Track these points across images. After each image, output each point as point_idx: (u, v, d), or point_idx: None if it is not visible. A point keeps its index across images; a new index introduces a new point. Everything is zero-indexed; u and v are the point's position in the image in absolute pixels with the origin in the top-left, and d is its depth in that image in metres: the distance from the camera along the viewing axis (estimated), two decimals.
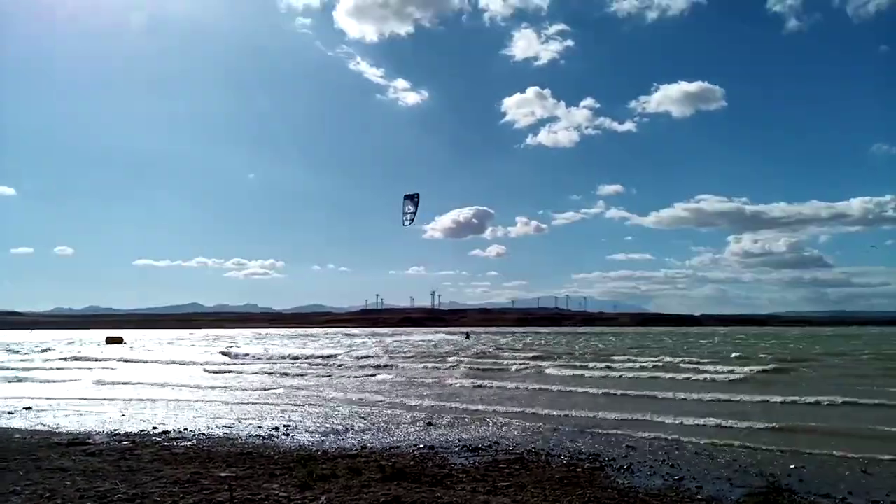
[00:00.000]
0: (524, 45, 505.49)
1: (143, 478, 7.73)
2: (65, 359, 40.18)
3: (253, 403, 17.24)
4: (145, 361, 37.46)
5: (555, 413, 14.99)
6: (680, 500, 7.38)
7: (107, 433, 11.93)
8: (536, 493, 7.48)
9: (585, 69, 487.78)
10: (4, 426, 12.87)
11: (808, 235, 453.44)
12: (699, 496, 7.60)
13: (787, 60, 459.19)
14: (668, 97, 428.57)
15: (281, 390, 20.90)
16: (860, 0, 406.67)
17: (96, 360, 39.30)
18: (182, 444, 10.66)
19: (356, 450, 10.36)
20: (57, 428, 12.69)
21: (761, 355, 37.02)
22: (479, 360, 34.07)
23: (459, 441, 11.26)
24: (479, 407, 16.03)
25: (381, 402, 17.53)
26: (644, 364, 30.35)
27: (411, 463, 9.17)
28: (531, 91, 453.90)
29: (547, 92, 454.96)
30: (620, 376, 25.04)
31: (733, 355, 36.70)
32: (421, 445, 10.80)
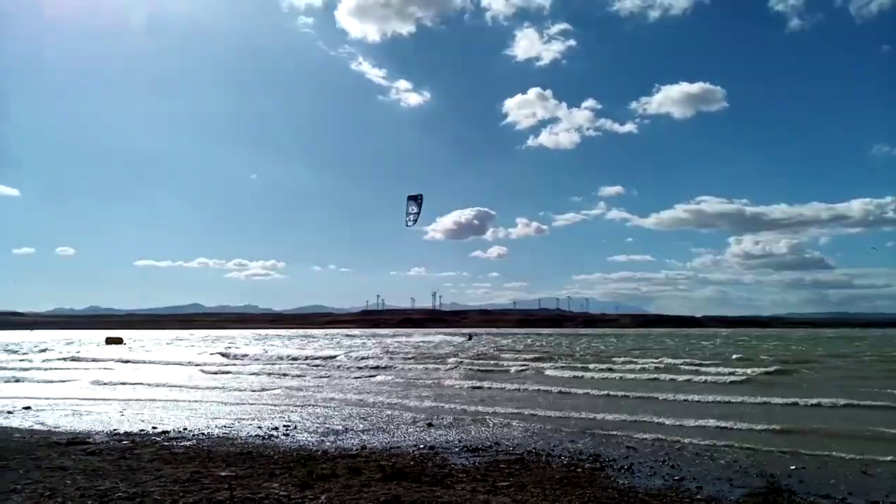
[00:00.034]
0: (526, 45, 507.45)
1: (143, 477, 7.73)
2: (63, 359, 40.17)
3: (252, 404, 17.24)
4: (144, 362, 37.44)
5: (555, 414, 14.97)
6: (680, 501, 7.37)
7: (106, 432, 11.93)
8: (537, 492, 7.47)
9: (587, 69, 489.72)
10: (4, 425, 12.86)
11: (809, 237, 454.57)
12: (699, 496, 7.59)
13: (789, 60, 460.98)
14: (670, 98, 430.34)
15: (280, 391, 20.90)
16: (863, 0, 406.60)
17: (95, 360, 39.29)
18: (182, 444, 10.66)
19: (356, 449, 10.35)
20: (56, 427, 12.69)
21: (763, 357, 37.00)
22: (479, 362, 34.04)
23: (459, 441, 11.25)
24: (479, 408, 16.02)
25: (380, 402, 17.52)
26: (645, 365, 30.30)
27: (411, 463, 9.16)
28: (533, 92, 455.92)
29: (548, 93, 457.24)
30: (621, 378, 25.01)
31: (734, 357, 36.68)
32: (421, 445, 10.80)
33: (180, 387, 22.18)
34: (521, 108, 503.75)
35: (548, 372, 27.54)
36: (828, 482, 8.40)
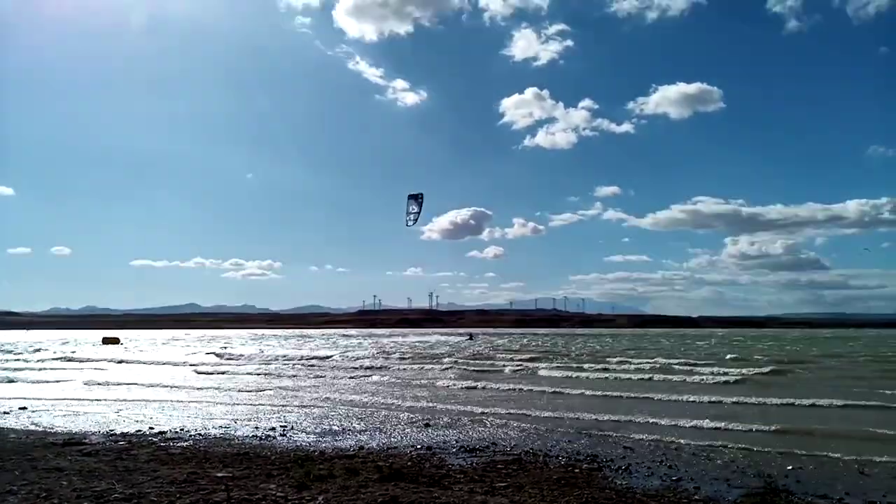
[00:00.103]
0: (524, 45, 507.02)
1: (140, 478, 7.70)
2: (59, 359, 40.02)
3: (248, 404, 17.20)
4: (140, 362, 37.33)
5: (551, 414, 14.97)
6: (678, 501, 7.37)
7: (103, 433, 11.89)
8: (534, 493, 7.46)
9: (584, 70, 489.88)
10: (0, 426, 12.82)
11: (805, 237, 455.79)
12: (696, 497, 7.60)
13: (787, 61, 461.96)
14: (667, 98, 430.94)
15: (276, 391, 20.85)
16: (860, 1, 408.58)
17: (91, 360, 39.15)
18: (178, 445, 10.62)
19: (353, 450, 10.33)
20: (52, 428, 12.64)
21: (757, 357, 37.12)
22: (476, 362, 34.04)
23: (457, 442, 11.25)
24: (476, 408, 16.01)
25: (377, 403, 17.50)
26: (640, 366, 30.37)
27: (409, 463, 9.15)
28: (530, 92, 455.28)
29: (545, 93, 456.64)
30: (616, 378, 25.04)
31: (728, 357, 36.77)
32: (418, 446, 10.78)
33: (177, 387, 22.11)
34: (518, 107, 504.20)
35: (544, 372, 27.55)
36: (825, 482, 8.42)
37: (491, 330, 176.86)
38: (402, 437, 11.76)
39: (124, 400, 17.97)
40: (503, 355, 40.08)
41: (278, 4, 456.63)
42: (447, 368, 29.97)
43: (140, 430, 12.23)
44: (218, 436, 11.76)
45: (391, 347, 53.76)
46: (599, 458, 9.80)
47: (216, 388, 21.74)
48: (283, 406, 16.64)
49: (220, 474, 7.97)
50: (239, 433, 12.08)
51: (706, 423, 13.19)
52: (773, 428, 12.52)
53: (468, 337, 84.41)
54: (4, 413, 14.85)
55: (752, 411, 15.49)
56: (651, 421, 13.64)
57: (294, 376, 26.92)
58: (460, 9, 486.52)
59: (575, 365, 30.98)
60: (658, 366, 30.36)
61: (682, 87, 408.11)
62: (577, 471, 8.88)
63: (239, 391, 20.91)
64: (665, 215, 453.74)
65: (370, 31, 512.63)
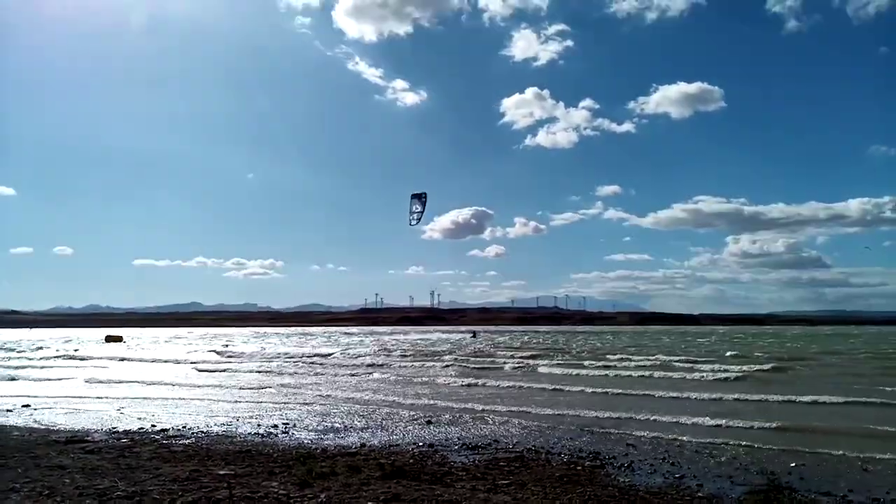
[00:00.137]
0: (523, 45, 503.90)
1: (142, 475, 7.70)
2: (62, 357, 40.09)
3: (250, 402, 17.22)
4: (141, 360, 37.38)
5: (553, 412, 14.97)
6: (681, 498, 7.37)
7: (105, 431, 11.90)
8: (537, 490, 7.46)
9: (584, 70, 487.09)
10: (3, 423, 12.82)
11: (807, 236, 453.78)
12: (700, 494, 7.59)
13: (787, 61, 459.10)
14: (667, 98, 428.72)
15: (278, 389, 20.87)
16: (860, 1, 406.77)
17: (94, 358, 39.22)
18: (181, 442, 10.63)
19: (355, 448, 10.34)
20: (55, 425, 12.66)
21: (758, 354, 37.11)
22: (477, 359, 34.06)
23: (459, 439, 11.25)
24: (478, 405, 16.01)
25: (378, 400, 17.51)
26: (640, 363, 30.37)
27: (411, 461, 9.14)
28: (530, 92, 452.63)
29: (546, 93, 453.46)
30: (617, 375, 25.04)
31: (729, 354, 36.75)
32: (420, 443, 10.79)
33: (178, 385, 22.14)
34: (519, 107, 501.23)
35: (545, 369, 27.55)
36: (828, 479, 8.41)
37: (492, 328, 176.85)
38: (403, 435, 11.76)
39: (126, 397, 17.99)
40: (504, 353, 40.10)
41: (278, 5, 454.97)
42: (448, 366, 29.98)
43: (142, 428, 12.24)
44: (220, 433, 11.77)
45: (392, 345, 53.80)
46: (602, 456, 9.80)
47: (218, 386, 21.76)
48: (284, 403, 16.65)
49: (222, 472, 7.97)
50: (241, 431, 12.09)
51: (708, 421, 13.18)
52: (774, 425, 12.51)
53: (472, 335, 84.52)
54: (7, 411, 14.87)
55: (753, 408, 15.47)
56: (652, 418, 13.62)
57: (295, 374, 26.93)
58: (460, 9, 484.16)
59: (576, 362, 30.97)
60: (659, 363, 30.36)
61: (682, 87, 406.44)
62: (579, 468, 8.87)
63: (240, 389, 20.92)
64: (666, 214, 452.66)
65: (370, 31, 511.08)
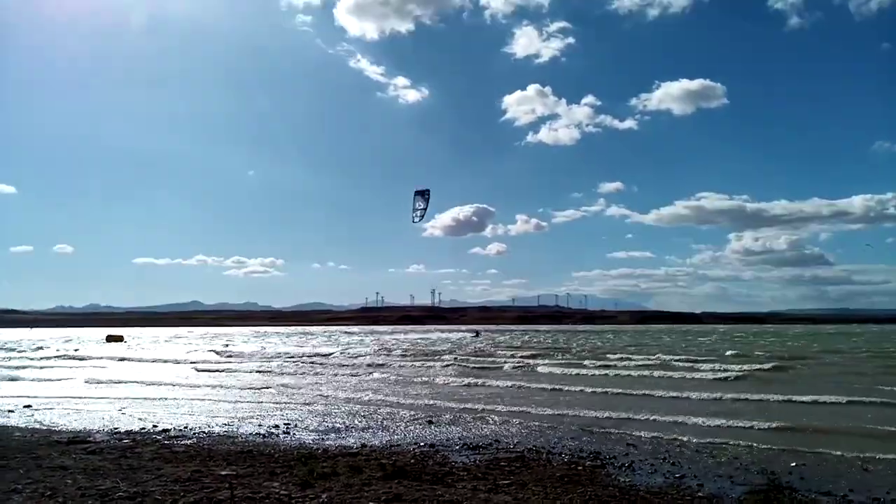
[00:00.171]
0: (525, 42, 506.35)
1: (144, 476, 7.72)
2: (63, 357, 40.14)
3: (250, 402, 17.24)
4: (141, 360, 37.43)
5: (554, 412, 14.98)
6: (681, 498, 7.38)
7: (107, 431, 11.92)
8: (538, 490, 7.47)
9: (586, 67, 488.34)
10: (4, 424, 12.85)
11: (810, 233, 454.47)
12: (700, 494, 7.60)
13: (789, 58, 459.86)
14: (670, 95, 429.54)
15: (278, 389, 20.88)
16: None
17: (95, 358, 39.26)
18: (182, 443, 10.65)
19: (356, 448, 10.35)
20: (57, 426, 12.68)
21: (758, 353, 37.10)
22: (477, 359, 34.08)
23: (459, 439, 11.26)
24: (478, 405, 16.02)
25: (379, 400, 17.52)
26: (640, 362, 30.39)
27: (412, 461, 9.16)
28: (532, 89, 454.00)
29: (548, 89, 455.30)
30: (617, 375, 25.05)
31: (729, 353, 36.74)
32: (421, 443, 10.80)
33: (179, 385, 22.17)
34: (521, 104, 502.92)
35: (545, 369, 27.56)
36: (828, 479, 8.42)
37: (493, 327, 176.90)
38: (404, 435, 11.78)
39: (127, 398, 18.02)
40: (504, 352, 40.12)
41: (279, 3, 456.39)
42: (448, 365, 30.01)
43: (144, 428, 12.26)
44: (221, 433, 11.79)
45: (393, 344, 53.83)
46: (602, 456, 9.81)
47: (218, 386, 21.78)
48: (286, 403, 16.67)
49: (223, 472, 7.99)
50: (242, 431, 12.11)
51: (708, 421, 13.19)
52: (774, 425, 12.51)
53: (475, 334, 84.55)
54: (9, 411, 14.90)
55: (753, 408, 15.47)
56: (652, 418, 13.63)
57: (296, 374, 26.95)
58: (461, 7, 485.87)
59: (576, 361, 30.98)
60: (659, 362, 30.36)
61: (684, 84, 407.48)
62: (580, 468, 8.89)
63: (241, 389, 20.95)
64: (668, 211, 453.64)
65: (371, 29, 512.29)
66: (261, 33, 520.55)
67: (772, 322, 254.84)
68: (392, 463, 8.58)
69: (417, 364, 31.26)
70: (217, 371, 29.05)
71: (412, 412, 14.90)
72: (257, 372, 28.05)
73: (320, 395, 18.90)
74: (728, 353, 37.13)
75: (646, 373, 25.33)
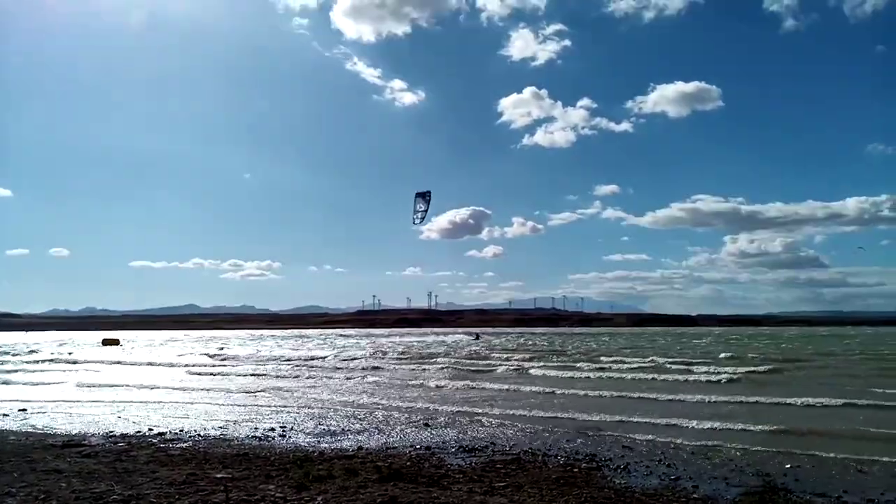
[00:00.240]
0: (521, 45, 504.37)
1: (139, 479, 7.71)
2: (54, 361, 39.97)
3: (246, 405, 17.20)
4: (136, 363, 37.30)
5: (550, 414, 15.00)
6: (677, 500, 7.41)
7: (102, 435, 11.88)
8: (533, 493, 7.49)
9: (582, 69, 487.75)
10: None
11: (804, 235, 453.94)
12: (696, 495, 7.63)
13: (784, 60, 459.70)
14: (665, 97, 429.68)
15: (274, 392, 20.85)
16: (857, 0, 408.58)
17: (87, 361, 39.10)
18: (178, 446, 10.63)
19: (352, 450, 10.35)
20: (51, 429, 12.63)
21: (752, 355, 37.17)
22: (472, 362, 34.08)
23: (455, 442, 11.27)
24: (474, 408, 16.04)
25: (374, 403, 17.51)
26: (635, 365, 30.42)
27: (408, 463, 9.17)
28: (528, 91, 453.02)
29: (544, 92, 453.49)
30: (612, 377, 25.08)
31: (723, 356, 36.80)
32: (417, 446, 10.80)
33: (174, 388, 22.11)
34: (517, 107, 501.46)
35: (540, 372, 27.56)
36: (823, 481, 8.46)
37: (490, 329, 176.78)
38: (400, 438, 11.78)
39: (122, 401, 17.96)
40: (500, 355, 40.10)
41: (276, 5, 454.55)
42: (443, 368, 29.98)
43: (139, 432, 12.22)
44: (217, 437, 11.76)
45: (388, 347, 53.76)
46: (598, 458, 9.83)
47: (213, 390, 21.73)
48: (282, 407, 16.64)
49: (219, 475, 7.98)
50: (238, 434, 12.08)
51: (702, 423, 13.20)
52: (769, 427, 12.55)
53: (475, 337, 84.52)
54: (3, 415, 14.83)
55: (748, 410, 15.53)
56: (647, 420, 13.67)
57: (291, 377, 26.91)
58: (458, 9, 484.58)
59: (571, 364, 31.03)
60: (653, 365, 30.41)
61: (680, 86, 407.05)
62: (575, 470, 8.91)
63: (237, 392, 20.90)
64: (664, 214, 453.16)
65: (368, 31, 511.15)
66: (258, 35, 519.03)
67: (767, 324, 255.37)
68: (388, 465, 8.59)
69: (413, 367, 31.23)
70: (212, 374, 28.97)
71: (408, 415, 14.90)
72: (252, 375, 27.98)
73: (316, 398, 18.87)
74: (722, 355, 37.19)
75: (640, 375, 25.36)
